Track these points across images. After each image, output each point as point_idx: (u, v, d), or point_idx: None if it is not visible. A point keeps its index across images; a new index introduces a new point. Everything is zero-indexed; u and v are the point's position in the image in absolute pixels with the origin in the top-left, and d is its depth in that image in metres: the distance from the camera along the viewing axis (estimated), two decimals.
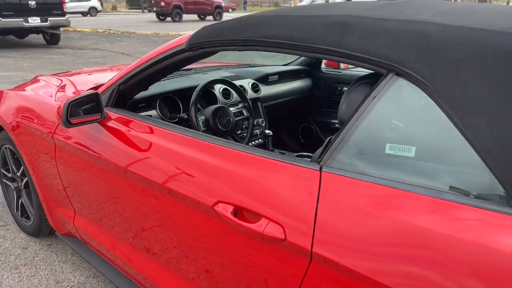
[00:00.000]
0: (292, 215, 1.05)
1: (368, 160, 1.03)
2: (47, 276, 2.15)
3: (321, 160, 1.07)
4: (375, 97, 1.03)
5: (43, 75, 2.55)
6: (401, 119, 1.03)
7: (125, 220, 1.63)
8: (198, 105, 2.03)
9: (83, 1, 28.47)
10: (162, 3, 20.59)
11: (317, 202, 1.02)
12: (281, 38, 1.22)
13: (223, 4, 23.51)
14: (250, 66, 2.86)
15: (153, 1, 21.40)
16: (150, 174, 1.42)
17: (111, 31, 16.97)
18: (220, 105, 2.02)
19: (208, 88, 2.16)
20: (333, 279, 0.98)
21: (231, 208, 1.16)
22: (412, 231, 0.88)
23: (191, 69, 2.56)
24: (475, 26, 0.97)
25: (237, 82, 2.40)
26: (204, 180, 1.26)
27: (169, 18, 21.63)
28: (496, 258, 0.78)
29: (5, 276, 2.14)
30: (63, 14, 11.67)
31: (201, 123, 1.96)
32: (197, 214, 1.28)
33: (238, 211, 1.15)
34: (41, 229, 2.40)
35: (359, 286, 0.93)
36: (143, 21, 22.06)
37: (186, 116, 2.05)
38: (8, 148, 2.41)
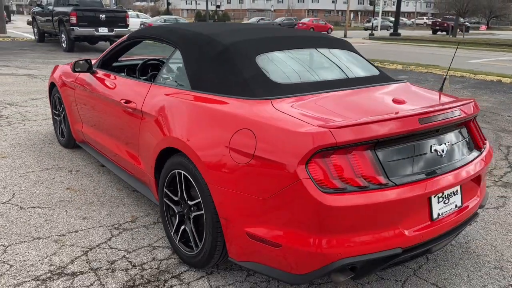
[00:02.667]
0: (138, 100, 2.82)
1: (169, 79, 2.80)
2: (67, 162, 4.07)
3: (152, 81, 2.85)
4: (171, 56, 2.81)
5: (81, 58, 4.52)
6: (175, 60, 2.79)
7: (98, 118, 3.48)
8: (149, 71, 3.85)
9: (134, 17, 34.07)
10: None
11: (146, 94, 2.79)
12: (153, 34, 3.04)
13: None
14: None
15: None
16: (109, 94, 3.25)
17: None
18: (156, 72, 3.82)
19: (157, 65, 3.99)
20: (148, 121, 2.73)
21: (124, 100, 2.96)
22: (168, 101, 2.60)
23: (155, 57, 4.41)
24: (201, 32, 2.70)
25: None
26: (121, 92, 3.07)
27: None
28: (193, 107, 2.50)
29: (51, 160, 4.09)
30: (127, 26, 14.28)
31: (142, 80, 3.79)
32: (116, 105, 3.08)
33: (126, 101, 2.95)
34: (70, 142, 4.33)
35: (156, 121, 2.67)
36: None
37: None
38: (57, 96, 4.38)
